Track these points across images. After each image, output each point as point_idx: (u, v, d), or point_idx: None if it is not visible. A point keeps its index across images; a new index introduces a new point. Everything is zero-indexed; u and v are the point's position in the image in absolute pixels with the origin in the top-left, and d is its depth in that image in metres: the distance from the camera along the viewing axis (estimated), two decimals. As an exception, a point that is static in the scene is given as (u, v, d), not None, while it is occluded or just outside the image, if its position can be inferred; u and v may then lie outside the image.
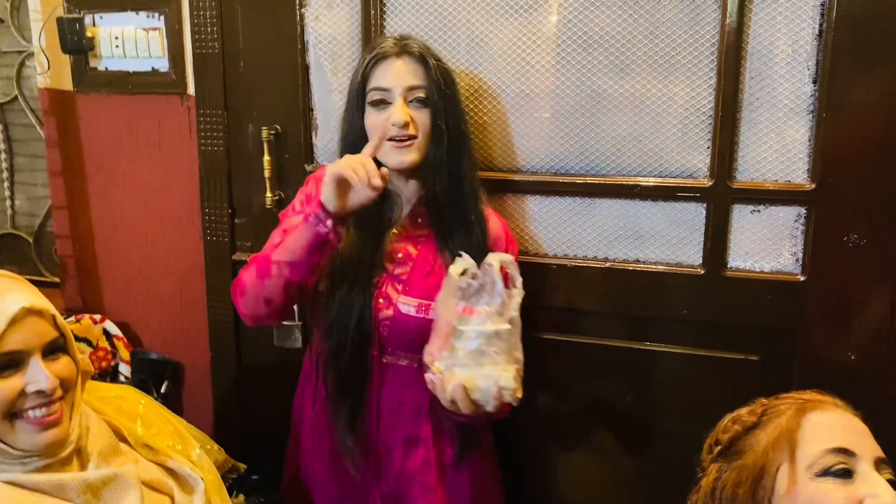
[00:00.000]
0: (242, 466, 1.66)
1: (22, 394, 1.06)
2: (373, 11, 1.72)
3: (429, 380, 1.26)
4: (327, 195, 1.28)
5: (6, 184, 2.37)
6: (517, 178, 1.71)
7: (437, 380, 1.24)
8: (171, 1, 1.88)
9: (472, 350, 1.21)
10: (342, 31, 1.77)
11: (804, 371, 1.59)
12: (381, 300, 1.41)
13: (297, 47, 1.80)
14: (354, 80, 1.42)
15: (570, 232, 1.71)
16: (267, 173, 1.84)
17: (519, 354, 1.25)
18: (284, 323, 1.91)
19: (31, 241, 2.38)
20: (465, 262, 1.26)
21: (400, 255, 1.44)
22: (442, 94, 1.39)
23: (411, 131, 1.37)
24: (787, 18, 1.49)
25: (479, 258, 1.41)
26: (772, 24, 1.50)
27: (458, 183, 1.42)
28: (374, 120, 1.39)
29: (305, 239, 1.29)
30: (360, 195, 1.28)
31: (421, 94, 1.38)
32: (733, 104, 1.53)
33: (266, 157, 1.83)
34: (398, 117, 1.36)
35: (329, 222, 1.28)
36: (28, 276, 2.39)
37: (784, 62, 1.51)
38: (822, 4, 1.46)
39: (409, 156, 1.39)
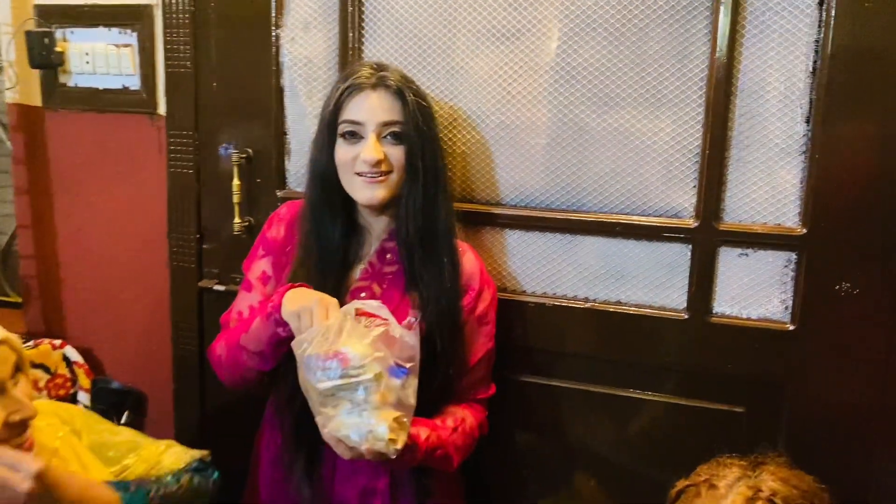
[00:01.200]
0: (204, 453, 1.55)
1: (5, 425, 1.02)
2: (351, 34, 1.65)
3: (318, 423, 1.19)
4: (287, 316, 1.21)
5: (-27, 200, 2.30)
6: (495, 211, 1.63)
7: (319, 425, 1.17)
8: (145, 17, 1.82)
9: (336, 398, 1.13)
10: (318, 54, 1.70)
11: (792, 424, 1.51)
12: None
13: (271, 69, 1.73)
14: (326, 107, 1.35)
15: (549, 269, 1.63)
16: (236, 198, 1.77)
17: (408, 398, 1.16)
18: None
19: (-3, 259, 2.31)
20: (363, 304, 1.19)
21: (363, 295, 1.36)
22: (419, 130, 1.31)
23: (384, 168, 1.30)
24: (779, 55, 1.42)
25: (449, 297, 1.35)
26: (763, 60, 1.43)
27: (432, 221, 1.35)
28: (344, 153, 1.32)
29: (267, 335, 1.25)
30: None
31: (396, 130, 1.31)
32: (721, 142, 1.46)
33: (235, 182, 1.76)
34: (369, 155, 1.29)
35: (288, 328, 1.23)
36: (-7, 296, 2.33)
37: (775, 100, 1.44)
38: (817, 41, 1.39)
39: (380, 192, 1.32)
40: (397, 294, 1.36)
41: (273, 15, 1.70)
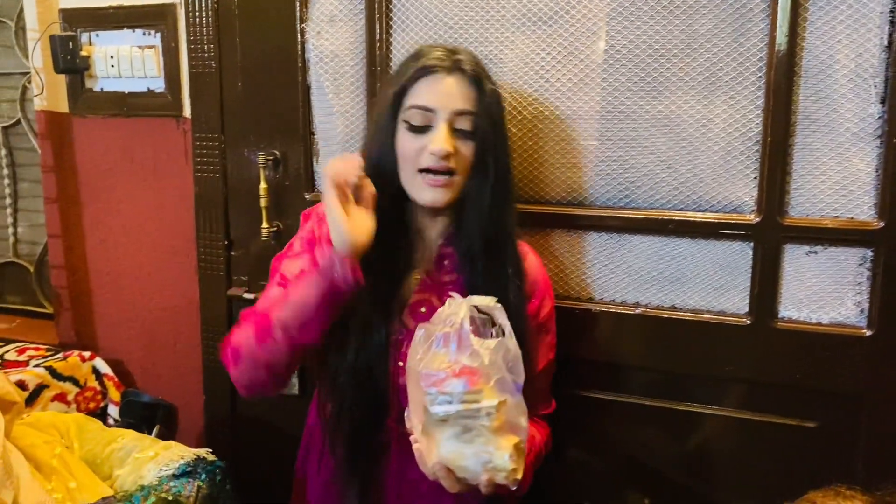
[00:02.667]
0: (201, 452, 1.46)
1: None
2: (378, 26, 1.55)
3: (415, 450, 1.05)
4: (340, 227, 1.03)
5: (9, 210, 2.28)
6: (534, 209, 1.51)
7: (418, 451, 1.03)
8: (168, 17, 1.75)
9: (447, 423, 0.99)
10: (345, 48, 1.61)
11: (871, 441, 1.36)
12: (401, 363, 1.16)
13: (297, 65, 1.65)
14: (391, 87, 1.19)
15: (595, 272, 1.51)
16: (263, 202, 1.68)
17: (521, 421, 1.01)
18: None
19: (31, 269, 2.28)
20: (479, 302, 1.02)
21: (423, 310, 1.21)
22: (493, 124, 1.16)
23: (451, 164, 1.14)
24: (849, 28, 1.28)
25: (516, 310, 1.16)
26: (831, 35, 1.29)
27: (497, 226, 1.20)
28: (408, 144, 1.15)
29: (318, 291, 1.06)
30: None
31: (468, 123, 1.15)
32: (785, 128, 1.32)
33: (262, 185, 1.68)
34: (440, 146, 1.12)
35: (349, 268, 1.04)
36: (27, 307, 2.31)
37: (846, 79, 1.30)
38: (892, 11, 1.25)
39: (445, 195, 1.16)
40: None
41: (298, 8, 1.62)
